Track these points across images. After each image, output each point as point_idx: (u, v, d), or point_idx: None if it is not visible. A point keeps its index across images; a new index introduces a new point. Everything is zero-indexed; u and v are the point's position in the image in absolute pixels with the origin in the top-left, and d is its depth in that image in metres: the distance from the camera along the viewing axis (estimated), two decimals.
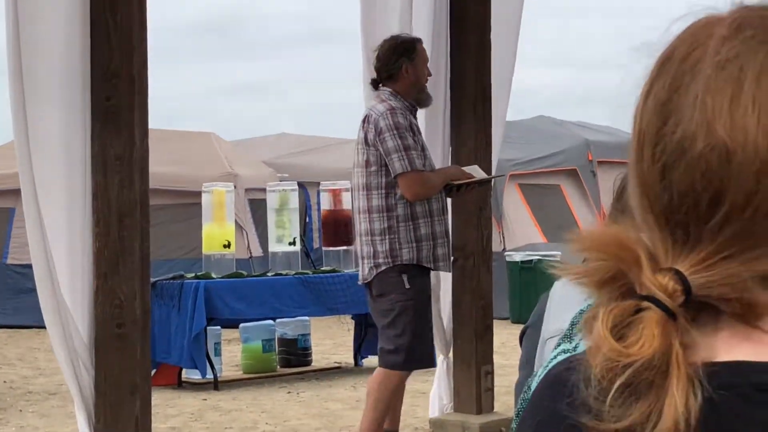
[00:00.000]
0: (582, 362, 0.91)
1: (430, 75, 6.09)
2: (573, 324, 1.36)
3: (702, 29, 0.93)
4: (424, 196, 5.84)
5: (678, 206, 0.91)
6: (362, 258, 5.93)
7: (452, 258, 7.00)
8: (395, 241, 5.81)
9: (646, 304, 0.88)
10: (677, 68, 0.92)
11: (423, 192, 5.83)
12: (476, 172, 6.21)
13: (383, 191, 5.82)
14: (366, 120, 5.87)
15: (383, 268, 5.82)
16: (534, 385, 1.29)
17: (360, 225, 5.91)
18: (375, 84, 6.00)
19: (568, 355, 1.28)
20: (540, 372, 1.30)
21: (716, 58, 0.91)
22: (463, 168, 6.24)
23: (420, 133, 5.98)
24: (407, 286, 5.79)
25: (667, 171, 0.91)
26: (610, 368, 0.86)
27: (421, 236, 5.84)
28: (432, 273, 6.93)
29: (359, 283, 6.06)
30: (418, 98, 6.00)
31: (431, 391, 7.18)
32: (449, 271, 6.22)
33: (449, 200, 6.54)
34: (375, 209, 5.84)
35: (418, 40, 6.11)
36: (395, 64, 5.92)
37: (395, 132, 5.76)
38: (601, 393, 0.86)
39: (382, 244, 5.82)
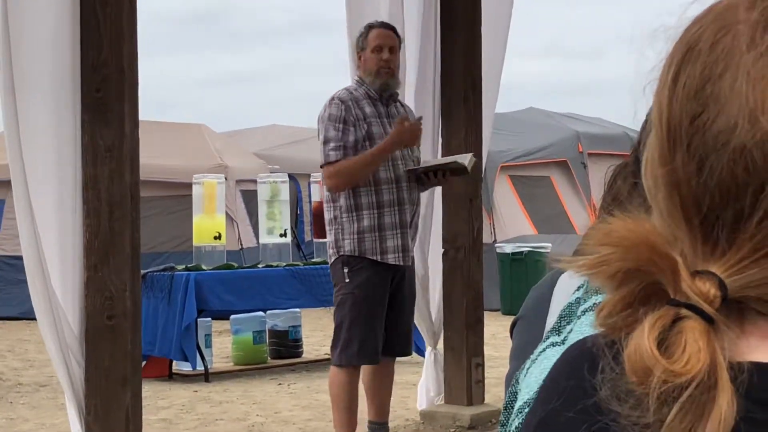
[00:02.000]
0: (611, 369, 0.85)
1: (385, 59, 5.83)
2: (561, 317, 1.36)
3: (726, 12, 0.89)
4: (344, 185, 5.66)
5: (715, 202, 0.86)
6: None
7: (442, 250, 7.02)
8: (339, 232, 5.73)
9: (685, 312, 0.83)
10: (708, 55, 0.88)
11: (340, 182, 5.65)
12: (462, 159, 6.00)
13: None
14: None
15: (332, 259, 5.79)
16: (523, 377, 1.30)
17: None
18: None
19: (559, 345, 1.28)
20: (528, 364, 1.31)
21: (754, 46, 0.86)
22: (455, 157, 6.07)
23: (369, 123, 5.73)
24: (347, 279, 5.70)
25: (704, 165, 0.86)
26: (664, 390, 0.81)
27: (363, 228, 5.69)
28: (420, 264, 6.92)
29: None
30: (375, 85, 5.82)
31: (419, 383, 7.19)
32: (406, 264, 5.85)
33: (434, 188, 6.47)
34: (325, 200, 5.84)
35: (372, 25, 5.94)
36: (355, 51, 5.94)
37: (323, 124, 5.72)
38: (651, 410, 0.82)
39: (330, 234, 5.79)
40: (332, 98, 5.76)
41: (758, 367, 0.84)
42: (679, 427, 0.81)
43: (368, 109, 5.77)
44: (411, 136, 5.74)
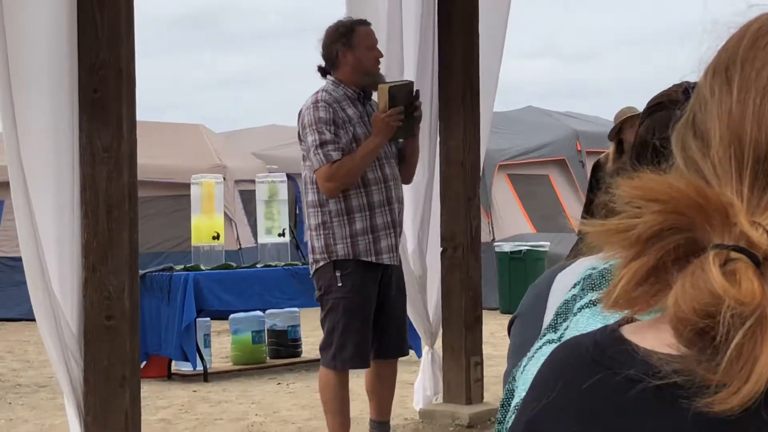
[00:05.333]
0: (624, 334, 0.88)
1: (380, 56, 5.77)
2: (557, 314, 1.36)
3: None
4: (340, 186, 5.56)
5: None
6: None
7: (441, 248, 7.02)
8: (330, 237, 5.62)
9: (735, 255, 0.85)
10: None
11: (336, 184, 5.55)
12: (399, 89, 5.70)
13: (316, 186, 5.64)
14: (299, 114, 5.72)
15: (321, 264, 5.67)
16: (520, 374, 1.30)
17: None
18: (323, 72, 5.78)
19: (566, 336, 1.29)
20: (524, 362, 1.31)
21: None
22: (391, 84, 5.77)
23: (354, 125, 5.65)
24: (339, 283, 5.62)
25: None
26: (733, 315, 0.83)
27: (356, 231, 5.61)
28: (418, 263, 6.92)
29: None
30: (365, 83, 5.70)
31: (416, 382, 7.20)
32: (397, 263, 5.81)
33: (431, 185, 6.47)
34: (310, 204, 5.68)
35: (359, 23, 5.81)
36: (331, 50, 5.70)
37: (314, 127, 5.56)
38: (720, 335, 0.83)
39: (319, 239, 5.66)
40: (316, 101, 5.62)
41: None
42: (747, 352, 0.82)
43: (350, 111, 5.67)
44: (391, 125, 5.57)
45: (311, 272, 5.78)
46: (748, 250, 0.85)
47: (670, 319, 0.87)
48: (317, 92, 5.68)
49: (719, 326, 0.83)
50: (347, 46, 5.68)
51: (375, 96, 5.74)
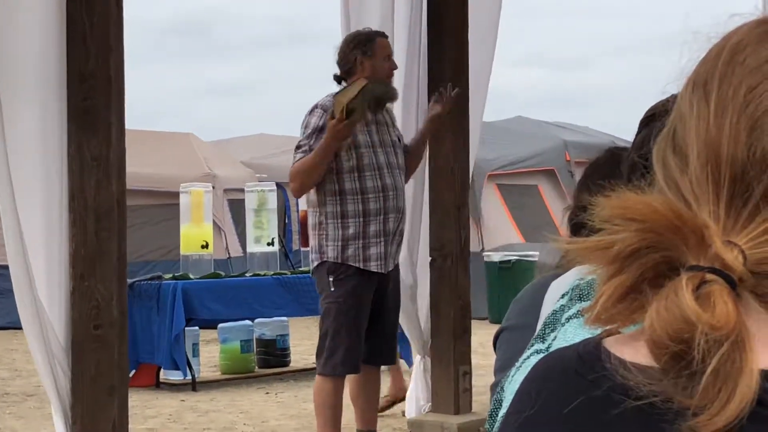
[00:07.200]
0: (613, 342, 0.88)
1: (394, 68, 5.93)
2: (545, 324, 1.36)
3: None
4: (299, 186, 5.74)
5: (754, 169, 0.89)
6: None
7: (430, 258, 7.02)
8: (323, 237, 5.78)
9: (710, 276, 0.84)
10: None
11: (295, 185, 5.75)
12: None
13: (315, 187, 5.80)
14: None
15: (315, 263, 5.83)
16: (509, 384, 1.30)
17: None
18: (338, 79, 5.90)
19: (548, 348, 1.28)
20: (512, 371, 1.31)
21: None
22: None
23: (357, 131, 5.72)
24: (332, 288, 5.73)
25: (755, 129, 0.90)
26: (706, 341, 0.82)
27: (348, 236, 5.74)
28: (409, 273, 6.92)
29: None
30: (376, 92, 5.82)
31: (408, 392, 7.19)
32: (387, 271, 5.86)
33: (420, 194, 6.47)
34: (311, 204, 5.88)
35: (378, 34, 5.99)
36: (349, 57, 5.85)
37: (303, 131, 5.75)
38: (694, 363, 0.83)
39: (314, 239, 5.83)
40: (315, 106, 5.77)
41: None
42: (724, 376, 0.82)
43: None
44: (345, 131, 5.60)
45: (311, 272, 5.96)
46: (723, 271, 0.84)
47: (646, 341, 0.86)
48: (324, 97, 5.81)
49: (694, 352, 0.83)
50: (366, 55, 5.84)
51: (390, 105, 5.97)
